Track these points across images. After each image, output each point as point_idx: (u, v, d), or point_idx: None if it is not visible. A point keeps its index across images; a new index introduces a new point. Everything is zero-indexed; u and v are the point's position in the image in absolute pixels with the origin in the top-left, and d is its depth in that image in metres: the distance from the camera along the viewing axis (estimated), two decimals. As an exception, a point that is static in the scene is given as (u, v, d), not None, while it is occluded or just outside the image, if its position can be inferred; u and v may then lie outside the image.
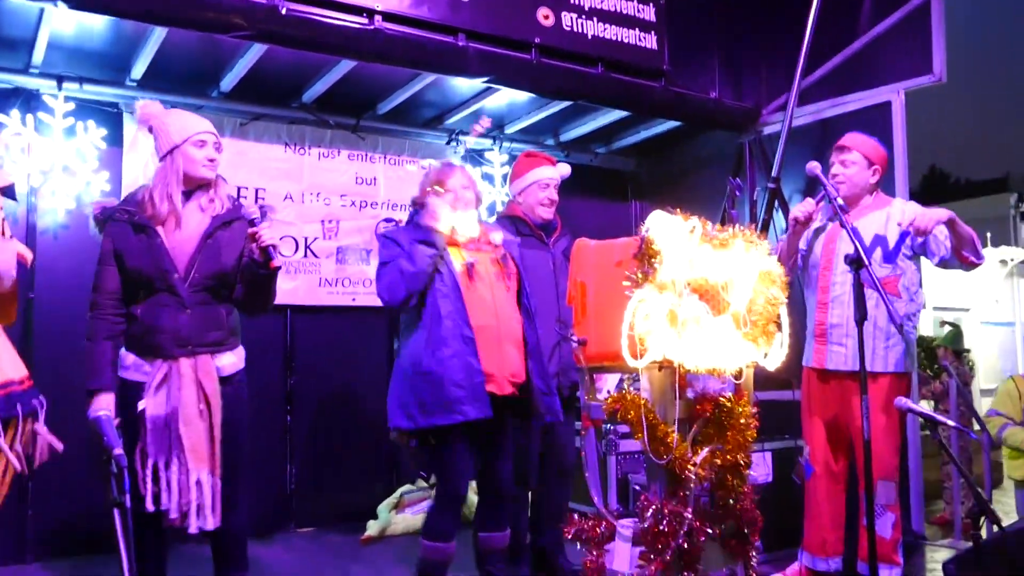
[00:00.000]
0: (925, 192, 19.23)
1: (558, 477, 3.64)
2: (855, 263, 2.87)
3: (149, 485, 2.67)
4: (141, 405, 2.69)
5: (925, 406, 7.27)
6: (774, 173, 4.92)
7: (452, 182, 3.13)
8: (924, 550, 4.30)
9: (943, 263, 3.48)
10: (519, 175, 3.83)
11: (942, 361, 6.83)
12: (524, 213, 3.74)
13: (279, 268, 2.83)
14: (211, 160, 2.86)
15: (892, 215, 3.53)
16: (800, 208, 3.52)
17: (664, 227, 2.20)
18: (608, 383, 3.74)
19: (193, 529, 2.68)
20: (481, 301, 3.01)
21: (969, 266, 3.43)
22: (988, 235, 13.52)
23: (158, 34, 3.90)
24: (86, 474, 3.83)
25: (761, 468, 4.22)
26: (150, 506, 2.65)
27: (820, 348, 3.52)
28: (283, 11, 3.73)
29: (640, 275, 2.18)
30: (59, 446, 2.48)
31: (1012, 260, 14.69)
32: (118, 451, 1.74)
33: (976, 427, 4.92)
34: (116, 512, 1.68)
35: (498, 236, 3.17)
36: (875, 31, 4.77)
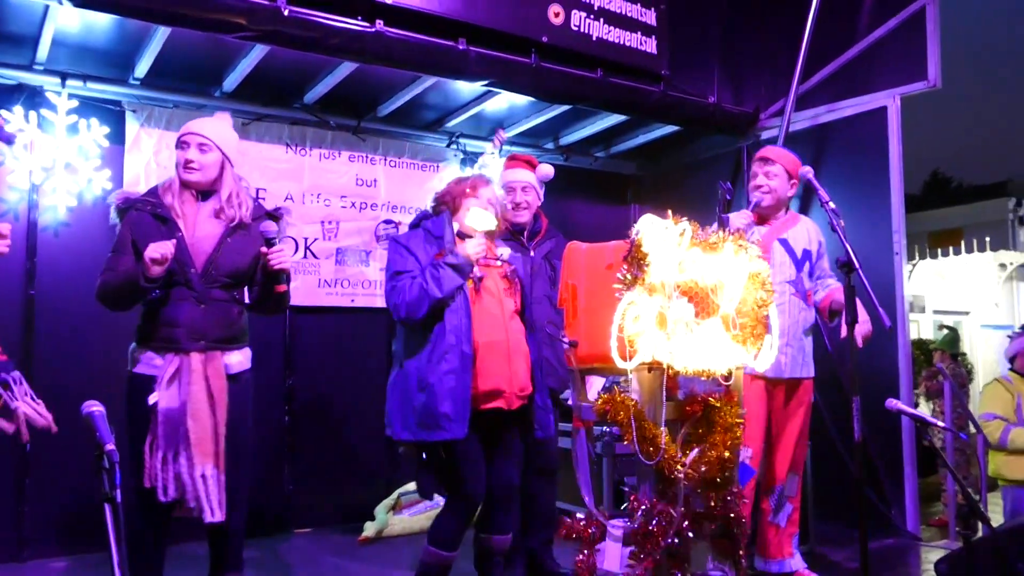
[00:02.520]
0: (927, 197, 19.23)
1: (543, 478, 3.65)
2: (846, 267, 2.91)
3: (159, 476, 2.71)
4: (153, 398, 2.73)
5: (924, 409, 7.31)
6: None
7: (483, 192, 3.11)
8: (919, 551, 4.35)
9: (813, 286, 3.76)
10: (500, 179, 3.83)
11: (937, 364, 6.86)
12: (507, 217, 3.70)
13: (284, 293, 2.86)
14: (188, 162, 2.88)
15: (810, 231, 3.77)
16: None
17: (654, 230, 2.23)
18: (595, 386, 3.78)
19: (207, 519, 2.72)
20: (491, 317, 3.00)
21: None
22: (988, 239, 13.56)
23: (162, 33, 3.94)
24: (82, 470, 3.87)
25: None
26: (161, 497, 2.69)
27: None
28: (285, 12, 3.76)
29: (630, 277, 2.21)
30: (42, 420, 2.42)
31: (1011, 264, 14.73)
32: (110, 446, 1.77)
33: (972, 429, 4.93)
34: (107, 507, 1.71)
35: (505, 251, 3.18)
36: (871, 38, 4.81)
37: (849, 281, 2.98)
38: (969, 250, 13.52)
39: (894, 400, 2.83)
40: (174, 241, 2.75)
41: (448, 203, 3.11)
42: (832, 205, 3.34)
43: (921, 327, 13.07)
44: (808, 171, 3.46)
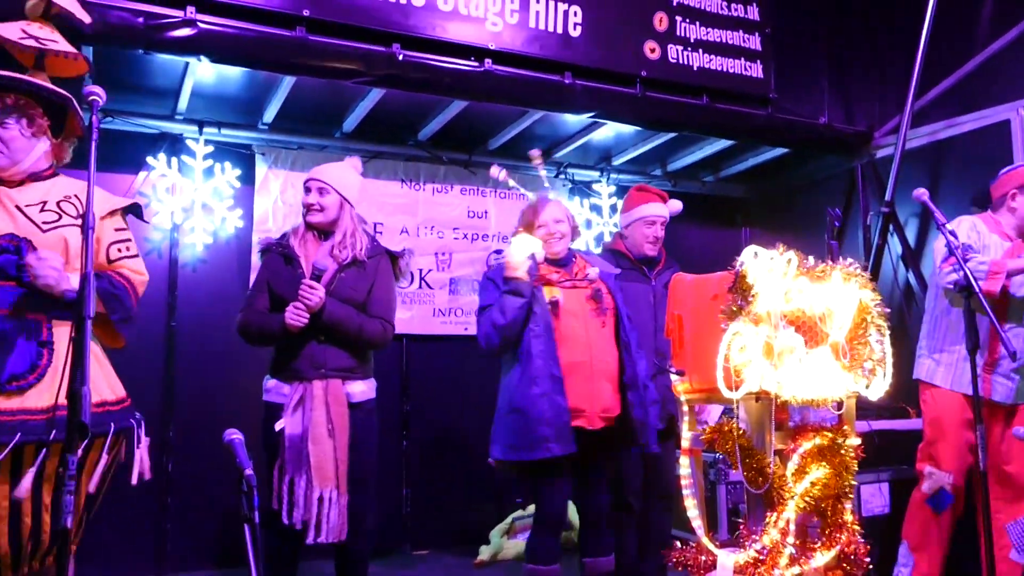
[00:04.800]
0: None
1: (659, 503, 3.68)
2: (965, 291, 2.85)
3: (285, 499, 2.91)
4: (280, 424, 2.94)
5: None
6: (887, 197, 4.84)
7: (544, 216, 3.24)
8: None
9: None
10: (628, 209, 3.88)
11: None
12: (628, 248, 3.80)
13: (300, 327, 2.95)
14: (308, 206, 3.11)
15: None
16: None
17: (759, 261, 2.26)
18: (714, 414, 3.79)
19: (310, 540, 2.89)
20: (574, 338, 3.11)
21: None
22: None
23: (287, 82, 4.22)
24: (221, 492, 4.15)
25: (877, 499, 4.14)
26: (285, 519, 2.88)
27: (985, 377, 3.45)
28: (400, 57, 3.98)
29: (735, 308, 2.24)
30: (147, 475, 2.43)
31: None
32: (248, 471, 1.94)
33: None
34: (247, 528, 1.87)
35: (594, 271, 3.26)
36: (990, 49, 4.64)
37: (969, 305, 2.90)
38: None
39: (1021, 427, 2.73)
40: (315, 304, 2.93)
41: (521, 231, 3.24)
42: (950, 227, 3.25)
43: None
44: (923, 193, 3.36)
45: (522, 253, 3.11)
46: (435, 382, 5.26)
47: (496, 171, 3.48)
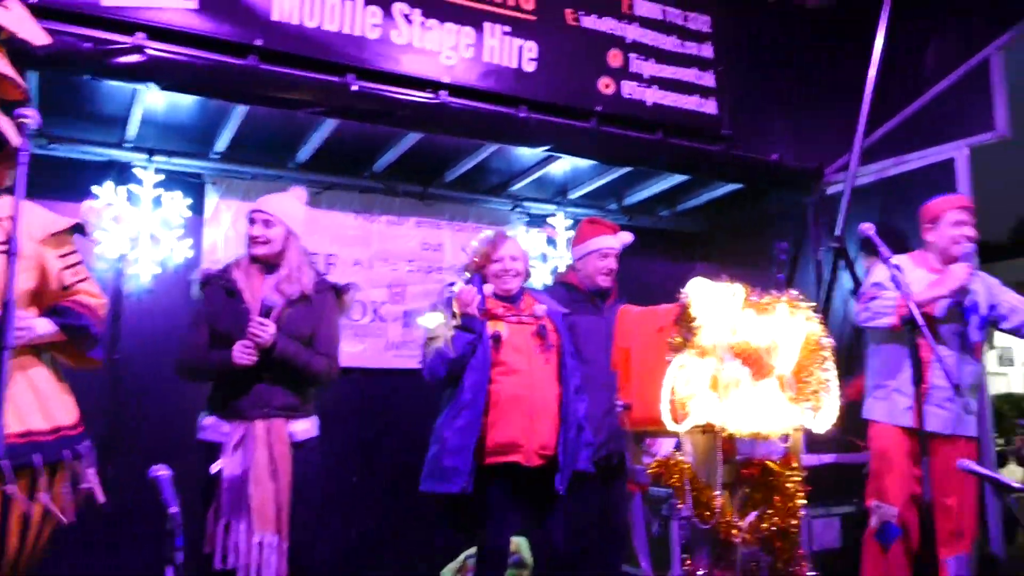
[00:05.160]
0: (1014, 244, 18.58)
1: (611, 540, 3.64)
2: (910, 324, 2.88)
3: (219, 543, 2.80)
4: (217, 466, 2.84)
5: (1018, 474, 6.95)
6: (837, 232, 4.90)
7: (503, 251, 3.25)
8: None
9: (1017, 330, 3.59)
10: (580, 242, 3.91)
11: (1020, 419, 6.57)
12: (580, 280, 3.81)
13: (248, 364, 2.89)
14: (253, 238, 3.05)
15: (978, 285, 3.58)
16: (963, 275, 3.46)
17: (704, 293, 2.25)
18: (666, 448, 3.76)
19: None
20: (516, 372, 3.12)
21: None
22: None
23: (240, 111, 4.17)
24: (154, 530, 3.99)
25: (828, 533, 4.13)
26: (218, 563, 2.78)
27: (920, 408, 3.45)
28: (354, 88, 3.96)
29: (680, 340, 2.23)
30: (100, 497, 2.45)
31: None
32: (173, 510, 1.87)
33: None
34: (169, 570, 1.80)
35: (541, 308, 3.28)
36: (936, 89, 4.76)
37: (914, 339, 2.93)
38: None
39: (966, 460, 2.75)
40: (266, 341, 2.87)
41: (472, 270, 3.25)
42: (894, 261, 3.29)
43: (1011, 380, 12.53)
44: (868, 227, 3.41)
45: (471, 292, 3.13)
46: (388, 416, 5.16)
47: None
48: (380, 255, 5.16)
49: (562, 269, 5.54)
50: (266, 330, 2.86)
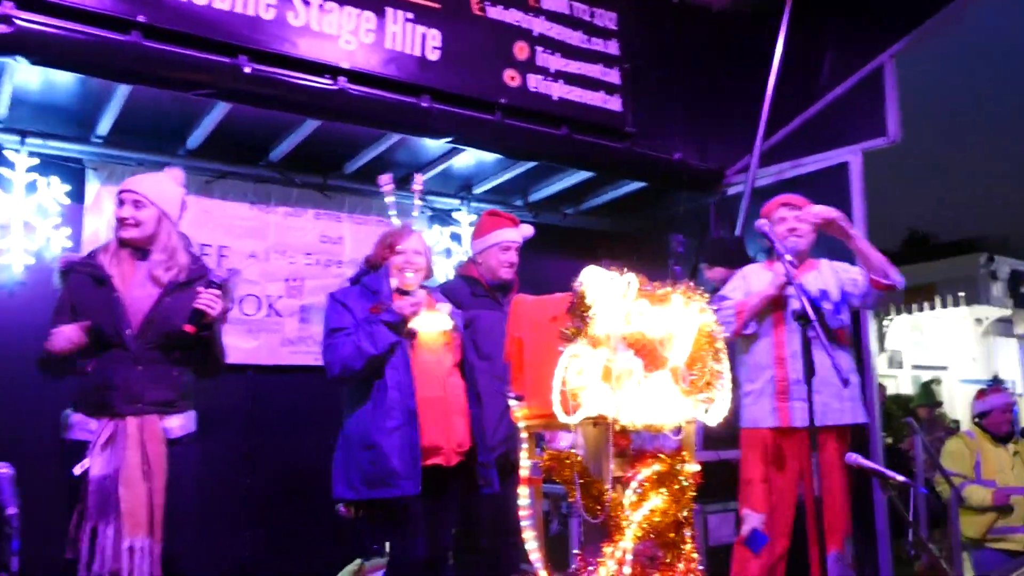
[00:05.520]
0: (904, 253, 19.50)
1: (509, 539, 3.56)
2: (802, 319, 2.89)
3: (85, 549, 2.60)
4: (81, 467, 2.64)
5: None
6: (737, 232, 4.97)
7: (407, 244, 3.16)
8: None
9: (864, 300, 3.57)
10: (481, 235, 3.84)
11: (906, 418, 6.81)
12: (480, 274, 3.74)
13: (193, 333, 2.78)
14: (122, 220, 2.85)
15: (824, 270, 3.66)
16: (781, 278, 3.48)
17: (598, 282, 2.20)
18: (566, 441, 3.71)
19: None
20: (429, 373, 3.02)
21: (887, 291, 3.45)
22: (961, 294, 13.71)
23: (123, 91, 3.93)
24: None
25: (723, 529, 4.17)
26: (83, 572, 2.58)
27: (781, 406, 3.49)
28: (247, 71, 3.78)
29: (573, 330, 2.17)
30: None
31: (986, 319, 14.86)
32: (11, 511, 1.70)
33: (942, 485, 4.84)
34: (2, 576, 1.64)
35: (445, 307, 3.21)
36: (832, 95, 4.88)
37: (805, 334, 2.96)
38: (944, 305, 13.64)
39: (854, 455, 2.78)
40: (83, 325, 2.70)
41: (378, 260, 3.13)
42: (788, 257, 3.33)
43: (900, 382, 13.09)
44: (763, 224, 3.45)
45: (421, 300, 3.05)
46: (283, 416, 4.96)
47: (386, 180, 3.34)
48: (277, 247, 4.97)
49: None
50: (217, 302, 2.76)
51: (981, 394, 5.08)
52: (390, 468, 2.82)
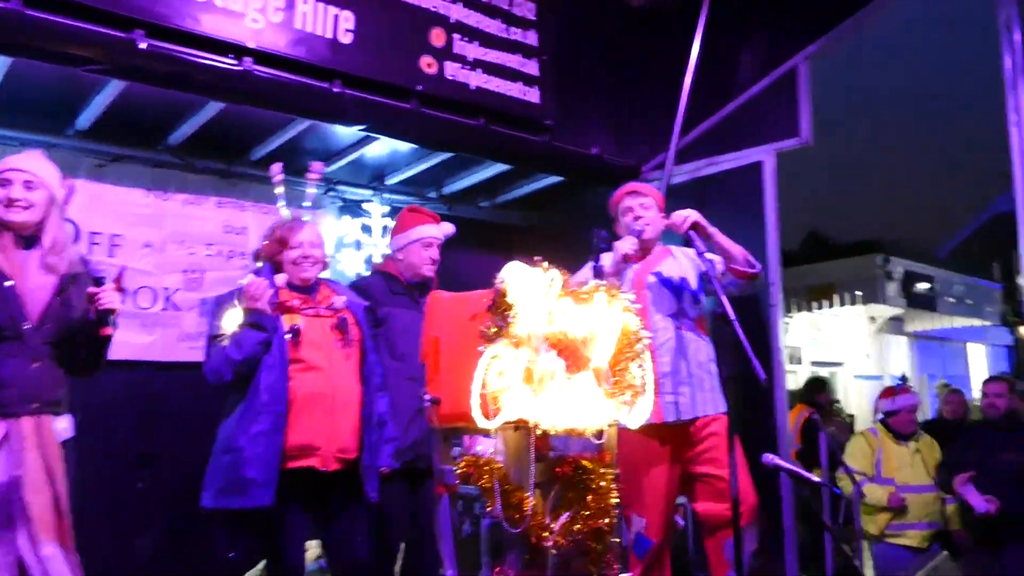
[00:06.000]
0: (804, 252, 20.19)
1: (426, 547, 3.44)
2: (722, 319, 2.86)
3: None
4: None
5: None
6: (654, 229, 4.94)
7: (301, 236, 3.01)
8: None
9: (727, 287, 3.50)
10: (402, 230, 3.73)
11: (812, 415, 6.96)
12: (400, 271, 3.62)
13: (110, 336, 2.60)
14: (12, 201, 2.61)
15: (681, 258, 3.66)
16: (629, 244, 3.48)
17: (521, 279, 2.09)
18: (486, 445, 3.59)
19: None
20: (315, 369, 2.86)
21: (746, 279, 3.46)
22: (859, 294, 14.26)
23: (2, 63, 3.62)
24: None
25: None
26: None
27: (655, 402, 3.37)
28: (142, 45, 3.51)
29: (494, 329, 2.06)
30: None
31: (880, 318, 15.52)
32: None
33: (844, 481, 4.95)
34: None
35: (340, 300, 3.05)
36: (747, 95, 4.90)
37: (726, 335, 2.93)
38: (842, 304, 14.15)
39: (770, 455, 2.76)
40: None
41: (264, 257, 2.97)
42: (709, 256, 3.31)
43: (799, 378, 13.53)
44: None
45: (262, 285, 2.82)
46: (181, 415, 4.66)
47: (276, 171, 3.21)
48: (175, 237, 4.68)
49: (377, 258, 5.31)
50: (116, 296, 2.60)
51: (890, 393, 5.19)
52: (248, 476, 2.68)
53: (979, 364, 20.69)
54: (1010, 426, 4.62)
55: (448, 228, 3.81)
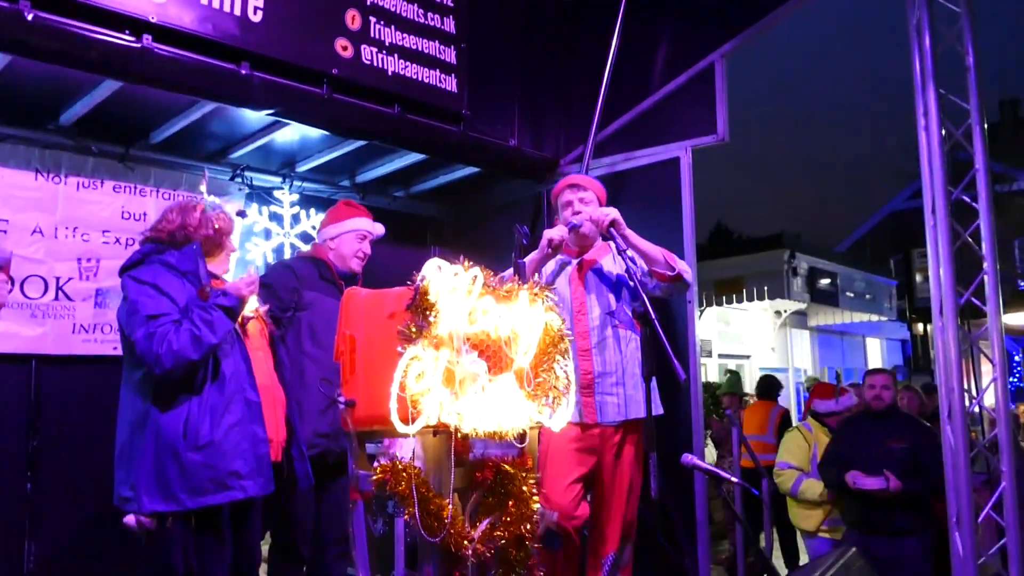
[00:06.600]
0: (711, 247, 20.63)
1: (333, 548, 3.32)
2: (643, 318, 2.83)
3: None
4: None
5: (710, 453, 7.54)
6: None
7: (234, 237, 2.89)
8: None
9: (652, 292, 3.51)
10: (337, 220, 3.66)
11: (726, 410, 7.10)
12: (332, 260, 3.52)
13: None
14: None
15: (616, 255, 3.54)
16: (557, 231, 3.44)
17: (441, 276, 2.00)
18: (407, 447, 3.49)
19: None
20: (258, 361, 2.72)
21: (668, 281, 3.46)
22: (766, 288, 14.65)
23: None
24: None
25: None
26: None
27: (586, 401, 3.35)
28: (29, 17, 3.24)
29: (413, 329, 1.96)
30: None
31: (785, 312, 16.01)
32: None
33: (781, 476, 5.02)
34: None
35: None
36: (664, 90, 4.91)
37: (646, 333, 2.89)
38: (750, 298, 14.50)
39: (689, 455, 2.74)
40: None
41: (190, 236, 2.78)
42: (630, 253, 3.28)
43: (708, 371, 13.83)
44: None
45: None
46: (73, 413, 4.40)
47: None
48: (67, 223, 4.38)
49: (287, 249, 5.13)
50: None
51: (829, 393, 5.28)
52: (230, 469, 2.50)
53: (875, 357, 21.63)
54: (894, 415, 4.75)
55: (380, 228, 3.82)
